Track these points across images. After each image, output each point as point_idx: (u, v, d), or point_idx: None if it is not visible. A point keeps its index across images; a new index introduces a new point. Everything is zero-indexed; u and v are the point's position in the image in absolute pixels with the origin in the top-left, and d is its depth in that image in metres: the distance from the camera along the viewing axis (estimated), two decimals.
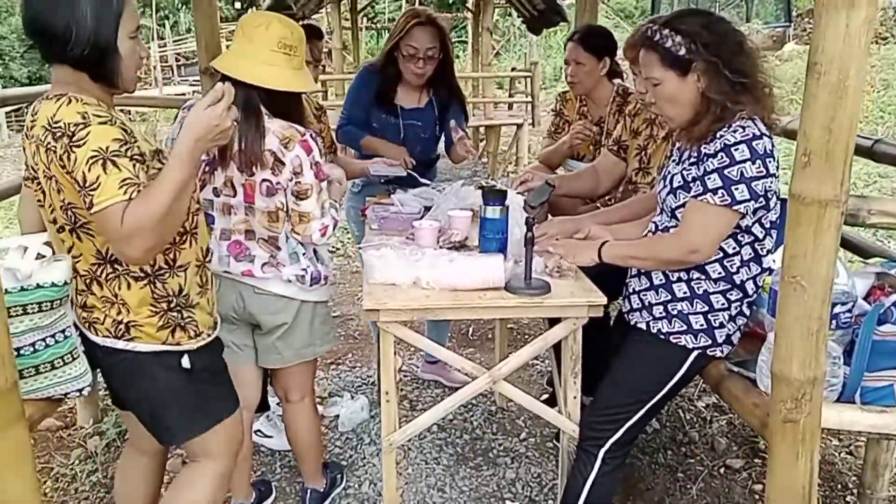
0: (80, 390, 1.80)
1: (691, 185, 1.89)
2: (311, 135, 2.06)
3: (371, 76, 3.06)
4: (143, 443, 2.01)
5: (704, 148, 1.87)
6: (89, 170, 1.49)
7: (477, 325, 4.19)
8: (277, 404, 2.90)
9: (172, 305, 1.74)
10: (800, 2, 16.67)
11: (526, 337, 3.96)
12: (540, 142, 9.82)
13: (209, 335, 1.84)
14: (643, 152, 2.64)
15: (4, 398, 1.50)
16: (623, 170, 2.73)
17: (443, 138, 3.20)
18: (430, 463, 2.84)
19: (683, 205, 1.91)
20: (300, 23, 2.25)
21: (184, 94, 17.97)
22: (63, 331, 1.74)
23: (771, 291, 1.87)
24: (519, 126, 8.82)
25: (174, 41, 22.29)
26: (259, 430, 2.94)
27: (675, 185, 1.95)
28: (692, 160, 1.92)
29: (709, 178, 1.82)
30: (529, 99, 9.52)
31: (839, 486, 2.68)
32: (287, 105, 2.06)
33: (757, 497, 2.60)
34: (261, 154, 1.99)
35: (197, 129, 1.53)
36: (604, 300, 1.98)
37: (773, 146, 1.83)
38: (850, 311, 1.73)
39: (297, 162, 2.01)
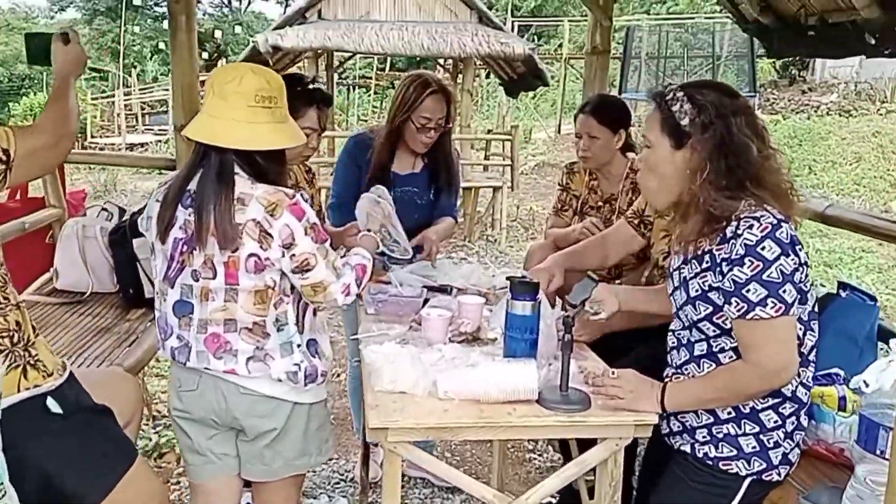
0: None
1: (715, 298, 1.63)
2: (301, 195, 1.76)
3: (362, 148, 2.81)
4: None
5: (719, 251, 1.61)
6: None
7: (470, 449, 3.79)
8: None
9: (15, 341, 1.58)
10: (764, 72, 17.15)
11: (524, 443, 3.56)
12: (517, 203, 9.83)
13: (62, 374, 1.66)
14: (670, 235, 2.38)
15: None
16: (640, 245, 2.44)
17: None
18: None
19: (706, 317, 1.66)
20: (311, 86, 1.99)
21: (147, 143, 17.63)
22: None
23: (861, 420, 1.59)
24: (497, 189, 8.65)
25: (140, 89, 21.99)
26: None
27: (693, 293, 1.68)
28: (706, 265, 1.65)
29: (748, 291, 1.55)
30: (509, 162, 9.39)
31: None
32: (272, 166, 1.78)
33: None
34: (235, 228, 1.68)
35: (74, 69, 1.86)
36: (654, 419, 1.68)
37: (794, 229, 1.60)
38: None
39: (287, 232, 1.70)
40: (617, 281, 2.77)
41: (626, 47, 17.23)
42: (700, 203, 1.61)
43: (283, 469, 1.90)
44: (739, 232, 1.57)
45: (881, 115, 12.00)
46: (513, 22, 21.21)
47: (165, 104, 20.92)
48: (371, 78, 21.04)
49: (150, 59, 24.92)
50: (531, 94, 16.33)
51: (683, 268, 1.73)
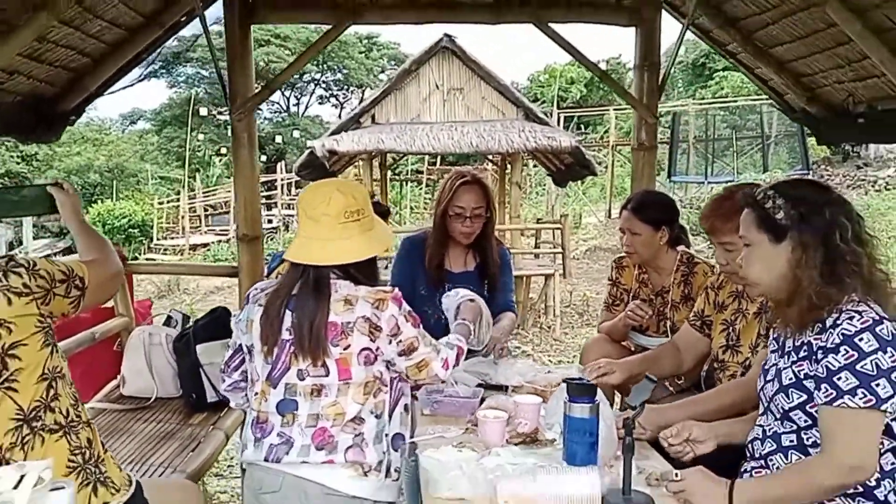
0: None
1: (808, 385, 1.61)
2: (397, 290, 1.92)
3: (414, 247, 2.93)
4: None
5: (816, 340, 1.61)
6: None
7: None
8: None
9: (87, 458, 1.65)
10: (816, 149, 16.99)
11: None
12: (569, 290, 9.78)
13: (128, 489, 1.73)
14: (730, 328, 2.35)
15: None
16: (707, 346, 2.43)
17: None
18: None
19: (800, 406, 1.63)
20: (372, 201, 2.12)
21: (209, 244, 18.34)
22: None
23: None
24: (549, 276, 8.65)
25: (203, 192, 23.05)
26: None
27: (786, 382, 1.67)
28: (803, 354, 1.65)
29: (839, 379, 1.53)
30: (560, 250, 9.43)
31: None
32: (365, 270, 1.94)
33: None
34: (324, 331, 1.82)
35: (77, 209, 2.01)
36: None
37: (894, 327, 1.57)
38: None
39: (393, 322, 1.87)
40: (679, 381, 2.73)
41: (672, 132, 17.41)
42: (803, 290, 1.63)
43: None
44: (839, 322, 1.58)
45: None
46: (559, 114, 21.71)
47: (226, 206, 21.87)
48: (422, 172, 21.65)
49: (213, 164, 26.20)
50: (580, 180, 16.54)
51: (779, 361, 1.73)
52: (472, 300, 2.51)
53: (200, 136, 26.96)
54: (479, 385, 2.46)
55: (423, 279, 2.88)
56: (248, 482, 1.98)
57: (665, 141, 18.08)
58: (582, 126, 24.62)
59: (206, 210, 22.22)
